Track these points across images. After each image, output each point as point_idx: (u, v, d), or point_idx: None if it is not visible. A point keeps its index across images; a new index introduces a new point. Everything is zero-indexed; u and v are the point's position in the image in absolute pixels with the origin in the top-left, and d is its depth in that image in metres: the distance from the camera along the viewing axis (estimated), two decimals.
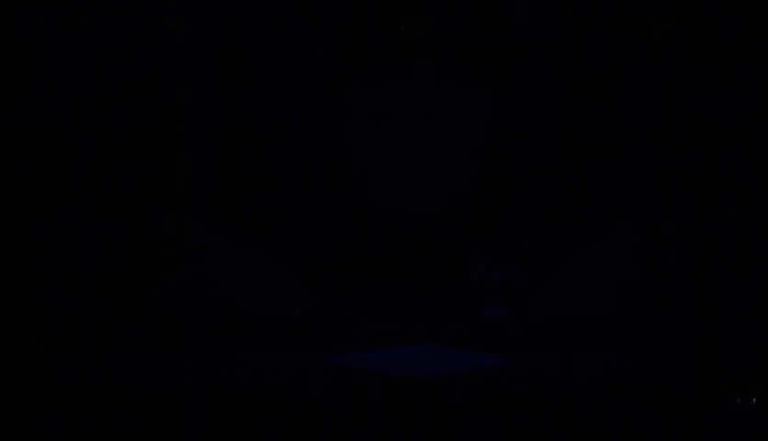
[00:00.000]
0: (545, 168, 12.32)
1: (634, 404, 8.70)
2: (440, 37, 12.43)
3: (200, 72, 12.23)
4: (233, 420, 8.61)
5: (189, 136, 12.22)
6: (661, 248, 10.94)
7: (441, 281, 11.99)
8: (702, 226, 10.93)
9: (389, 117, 12.55)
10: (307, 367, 10.02)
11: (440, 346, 10.92)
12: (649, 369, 9.90)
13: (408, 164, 12.61)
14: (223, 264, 11.05)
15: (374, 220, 12.73)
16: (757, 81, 11.13)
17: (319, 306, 11.24)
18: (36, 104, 11.22)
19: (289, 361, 10.25)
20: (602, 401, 8.69)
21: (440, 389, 7.98)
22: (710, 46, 11.52)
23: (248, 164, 12.55)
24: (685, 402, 8.63)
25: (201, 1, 12.08)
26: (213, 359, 10.22)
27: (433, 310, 11.58)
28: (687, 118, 11.87)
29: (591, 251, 11.05)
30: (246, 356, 10.37)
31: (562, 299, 11.01)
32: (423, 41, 12.45)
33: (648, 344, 10.76)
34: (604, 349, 10.71)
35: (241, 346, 10.70)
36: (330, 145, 12.64)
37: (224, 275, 11.05)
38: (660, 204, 11.94)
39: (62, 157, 11.11)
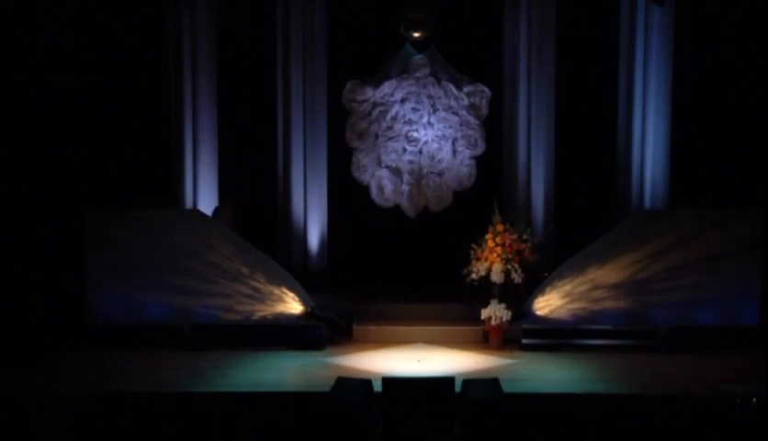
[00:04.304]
0: (545, 168, 12.32)
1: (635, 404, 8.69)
2: (440, 37, 12.43)
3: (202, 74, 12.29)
4: (234, 419, 8.61)
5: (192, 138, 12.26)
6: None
7: (441, 281, 11.98)
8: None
9: (389, 116, 12.55)
10: (306, 366, 10.02)
11: (440, 346, 10.91)
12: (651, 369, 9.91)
13: (408, 164, 12.60)
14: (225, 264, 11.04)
15: (374, 220, 12.72)
16: None
17: (319, 306, 11.21)
18: None
19: (289, 361, 10.25)
20: (602, 401, 8.69)
21: (440, 388, 7.96)
22: None
23: (246, 166, 12.57)
24: (685, 402, 8.62)
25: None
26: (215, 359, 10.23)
27: (433, 310, 11.57)
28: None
29: (590, 251, 11.03)
30: (246, 355, 10.38)
31: (562, 299, 11.00)
32: (423, 41, 12.47)
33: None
34: (604, 349, 10.72)
35: (241, 346, 10.71)
36: (329, 145, 12.64)
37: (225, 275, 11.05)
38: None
39: None
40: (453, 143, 12.53)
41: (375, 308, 11.60)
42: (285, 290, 11.06)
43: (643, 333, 10.81)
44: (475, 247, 11.28)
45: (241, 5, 12.31)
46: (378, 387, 8.04)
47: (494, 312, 10.84)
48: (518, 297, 11.10)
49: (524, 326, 10.90)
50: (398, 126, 12.52)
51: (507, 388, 8.38)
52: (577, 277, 10.97)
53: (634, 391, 9.00)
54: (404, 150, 12.54)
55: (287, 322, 11.02)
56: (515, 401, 8.34)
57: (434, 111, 12.50)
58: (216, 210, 12.06)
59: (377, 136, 12.55)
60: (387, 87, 12.47)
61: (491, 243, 11.19)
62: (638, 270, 10.84)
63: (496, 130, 12.50)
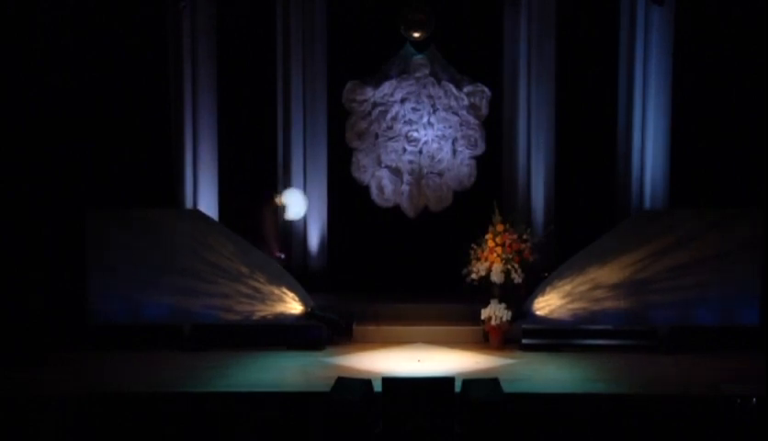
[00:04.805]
0: (545, 168, 12.31)
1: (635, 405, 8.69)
2: (440, 37, 12.44)
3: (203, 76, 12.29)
4: (234, 419, 8.61)
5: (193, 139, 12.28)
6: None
7: (441, 281, 11.98)
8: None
9: (389, 116, 12.55)
10: (306, 366, 10.03)
11: (440, 346, 10.91)
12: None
13: (408, 164, 12.60)
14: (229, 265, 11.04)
15: (374, 220, 12.72)
16: None
17: (319, 306, 11.22)
18: None
19: (289, 361, 10.26)
20: (602, 401, 8.69)
21: (440, 388, 7.96)
22: None
23: (246, 166, 12.56)
24: (685, 402, 8.62)
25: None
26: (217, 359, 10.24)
27: (433, 310, 11.56)
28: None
29: (590, 251, 11.03)
30: (246, 355, 10.38)
31: (562, 299, 11.00)
32: (423, 41, 12.46)
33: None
34: (604, 349, 10.72)
35: (241, 346, 10.71)
36: (329, 145, 12.63)
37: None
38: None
39: None
40: (453, 143, 12.53)
41: (375, 308, 11.60)
42: (285, 290, 11.06)
43: (643, 333, 10.81)
44: (475, 247, 11.29)
45: (241, 5, 12.31)
46: (378, 387, 8.03)
47: (494, 312, 10.84)
48: (518, 297, 11.10)
49: (524, 326, 10.90)
50: (398, 126, 12.52)
51: (507, 388, 8.38)
52: (577, 276, 10.97)
53: (634, 391, 8.99)
54: (404, 150, 12.54)
55: (287, 322, 11.01)
56: (515, 401, 8.34)
57: (435, 111, 12.50)
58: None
59: (377, 136, 12.55)
60: (387, 87, 12.47)
61: (491, 243, 11.19)
62: (638, 270, 10.84)
63: (496, 130, 12.50)
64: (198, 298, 10.92)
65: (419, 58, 12.43)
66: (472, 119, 12.48)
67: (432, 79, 12.44)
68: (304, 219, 12.35)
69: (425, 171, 12.54)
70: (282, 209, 11.96)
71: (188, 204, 12.14)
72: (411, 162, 12.54)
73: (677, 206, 11.74)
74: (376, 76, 12.50)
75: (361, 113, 12.52)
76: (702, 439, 8.40)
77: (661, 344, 10.67)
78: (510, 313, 10.84)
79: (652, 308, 10.81)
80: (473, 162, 12.53)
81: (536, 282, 11.20)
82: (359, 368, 9.84)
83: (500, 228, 11.25)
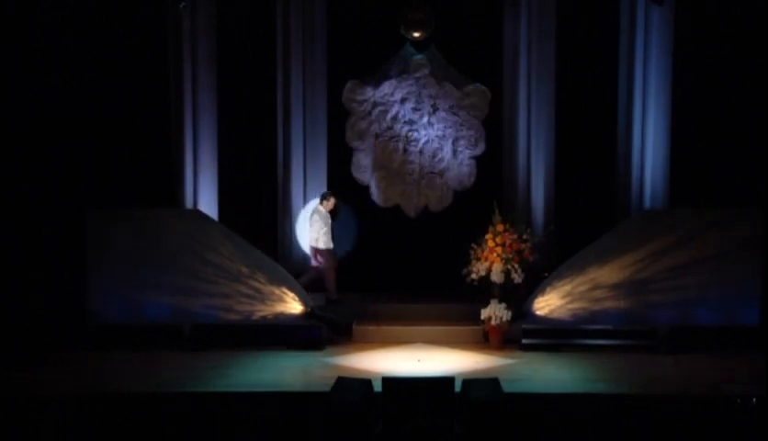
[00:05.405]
0: (545, 168, 12.32)
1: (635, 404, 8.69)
2: (440, 37, 12.44)
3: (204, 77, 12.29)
4: (234, 419, 8.62)
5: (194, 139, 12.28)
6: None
7: (441, 281, 11.99)
8: None
9: (389, 116, 12.55)
10: (306, 366, 10.03)
11: (440, 346, 10.91)
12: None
13: (408, 164, 12.60)
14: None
15: (374, 220, 12.72)
16: None
17: (319, 306, 11.23)
18: None
19: (289, 361, 10.26)
20: (602, 401, 8.69)
21: (440, 388, 7.95)
22: None
23: (246, 166, 12.57)
24: (685, 402, 8.62)
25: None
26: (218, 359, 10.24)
27: (433, 310, 11.56)
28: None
29: (590, 251, 11.03)
30: (246, 355, 10.38)
31: (562, 299, 11.00)
32: (423, 41, 12.46)
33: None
34: (604, 349, 10.72)
35: (241, 346, 10.71)
36: (329, 145, 12.63)
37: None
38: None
39: None
40: (453, 143, 12.53)
41: (375, 308, 11.60)
42: (285, 290, 11.06)
43: (643, 333, 10.81)
44: (475, 247, 11.29)
45: (241, 5, 12.31)
46: (378, 387, 8.03)
47: (494, 312, 10.84)
48: (518, 297, 11.11)
49: (524, 326, 10.90)
50: (398, 126, 12.52)
51: (507, 388, 8.37)
52: (577, 276, 10.97)
53: (634, 391, 9.00)
54: (404, 150, 12.54)
55: (287, 322, 11.01)
56: (515, 401, 8.33)
57: (434, 111, 12.50)
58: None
59: (377, 136, 12.55)
60: (387, 87, 12.47)
61: (491, 243, 11.19)
62: (638, 270, 10.84)
63: (496, 130, 12.50)
64: (198, 298, 10.93)
65: (419, 58, 12.43)
66: (472, 119, 12.48)
67: (432, 79, 12.44)
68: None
69: (425, 171, 12.54)
70: (328, 216, 11.90)
71: (188, 204, 12.14)
72: (411, 162, 12.54)
73: (677, 206, 11.74)
74: (376, 76, 12.50)
75: (361, 113, 12.52)
76: (702, 439, 8.39)
77: (661, 344, 10.67)
78: (510, 313, 10.84)
79: (652, 308, 10.82)
80: (473, 162, 12.53)
81: (536, 282, 11.20)
82: (359, 368, 9.83)
83: (500, 228, 11.25)
